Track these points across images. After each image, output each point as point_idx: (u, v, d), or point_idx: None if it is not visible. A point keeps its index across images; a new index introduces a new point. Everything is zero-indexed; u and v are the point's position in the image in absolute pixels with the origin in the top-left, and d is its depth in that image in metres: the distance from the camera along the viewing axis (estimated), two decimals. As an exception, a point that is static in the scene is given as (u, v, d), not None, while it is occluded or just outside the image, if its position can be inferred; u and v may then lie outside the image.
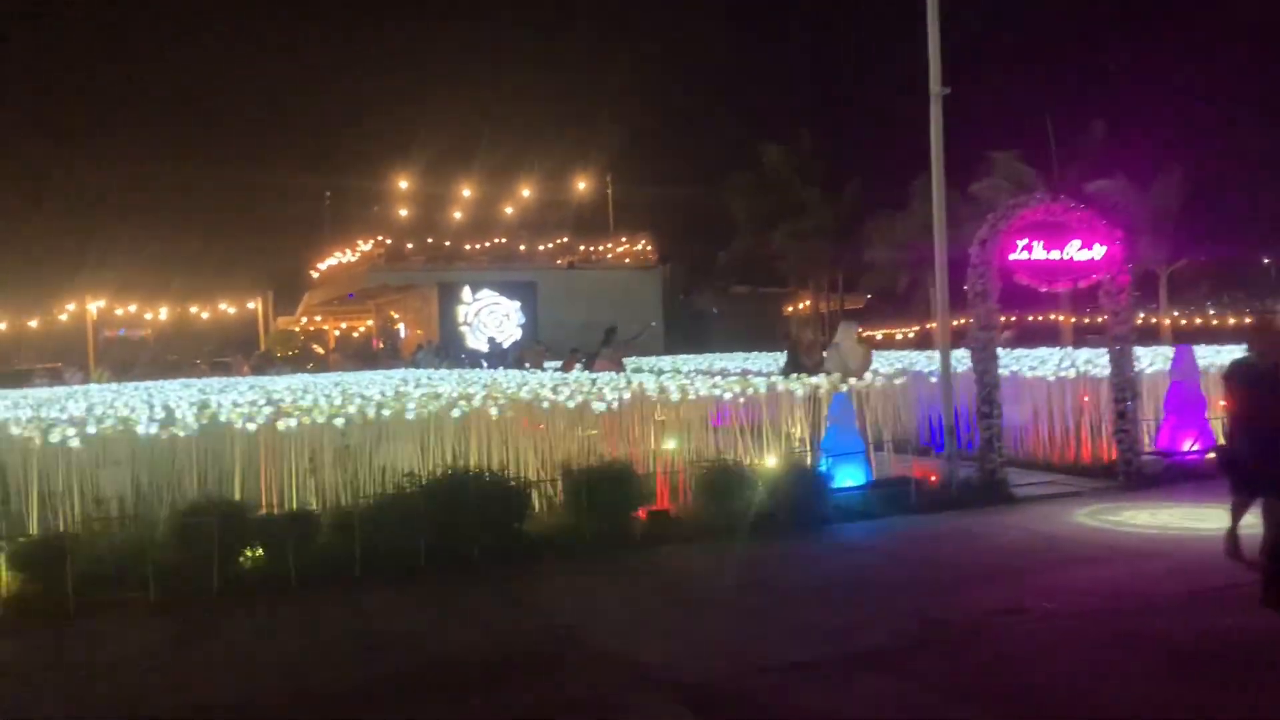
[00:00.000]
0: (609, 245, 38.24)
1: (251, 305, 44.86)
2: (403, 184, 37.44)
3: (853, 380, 10.02)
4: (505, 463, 8.88)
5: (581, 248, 37.71)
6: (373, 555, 7.48)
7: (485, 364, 25.54)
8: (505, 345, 28.06)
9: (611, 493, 8.32)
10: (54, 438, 7.60)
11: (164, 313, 42.77)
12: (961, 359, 11.36)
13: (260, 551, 7.46)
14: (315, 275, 44.17)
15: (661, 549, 8.16)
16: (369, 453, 8.69)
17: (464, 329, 33.14)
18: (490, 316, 33.54)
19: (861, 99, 47.80)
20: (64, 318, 42.41)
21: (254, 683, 5.45)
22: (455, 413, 8.74)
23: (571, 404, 9.19)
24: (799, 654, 5.32)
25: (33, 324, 43.23)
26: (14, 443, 8.00)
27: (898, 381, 10.97)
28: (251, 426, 8.02)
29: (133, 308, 42.54)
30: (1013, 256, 10.03)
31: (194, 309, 43.35)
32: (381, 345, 38.80)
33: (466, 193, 37.63)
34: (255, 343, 43.12)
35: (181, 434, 7.97)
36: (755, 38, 64.74)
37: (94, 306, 41.57)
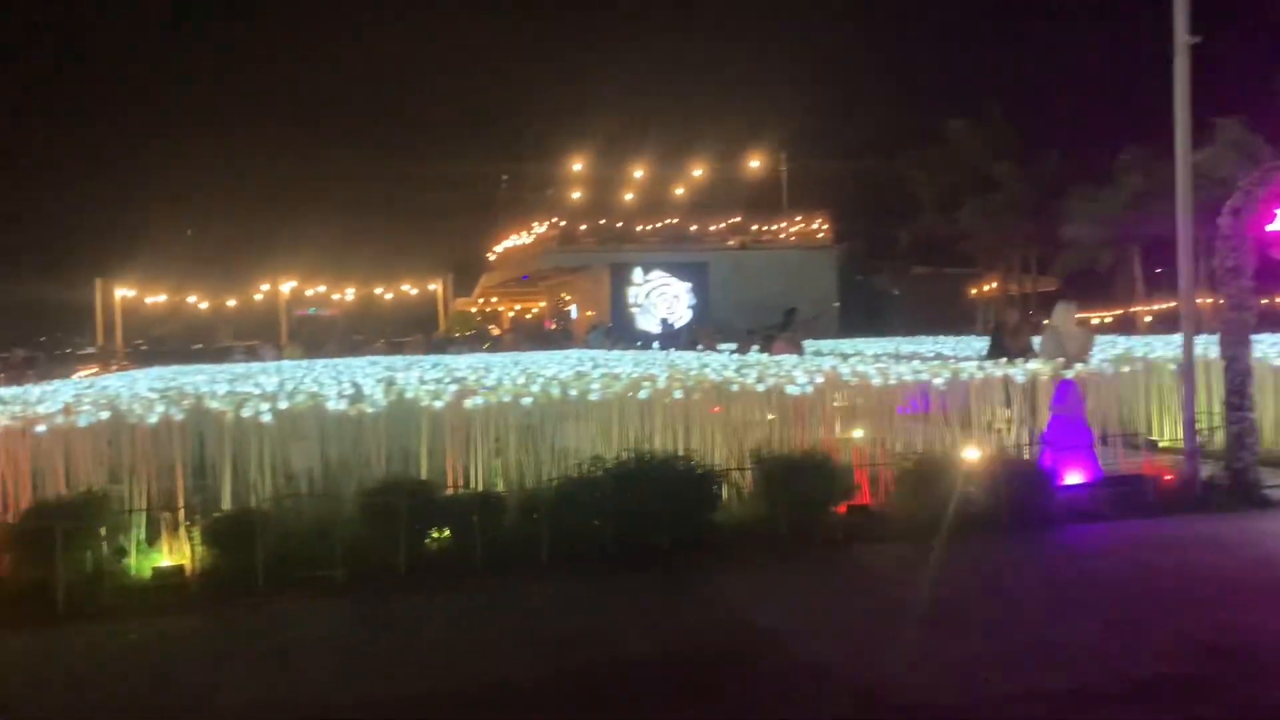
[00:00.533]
0: (783, 225, 37.32)
1: (432, 287, 46.33)
2: (576, 166, 37.59)
3: (1079, 366, 9.00)
4: (691, 448, 8.38)
5: (754, 227, 36.92)
6: (558, 540, 7.13)
7: (657, 345, 25.24)
8: (677, 326, 27.56)
9: (809, 484, 7.67)
10: (246, 412, 7.56)
11: (350, 294, 44.67)
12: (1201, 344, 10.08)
13: (447, 532, 7.22)
14: (491, 258, 45.11)
15: (864, 547, 7.47)
16: (551, 434, 8.35)
17: (635, 310, 33.05)
18: (661, 298, 33.31)
19: (1058, 65, 44.87)
20: (259, 298, 44.88)
21: (443, 672, 5.13)
22: (641, 394, 8.28)
23: (762, 387, 8.58)
24: (1058, 680, 4.56)
25: (231, 303, 45.97)
26: (210, 417, 8.03)
27: (1125, 369, 9.85)
28: (438, 404, 7.79)
29: (321, 288, 44.62)
30: (1270, 227, 8.79)
31: (378, 290, 45.11)
32: (554, 326, 39.24)
33: (639, 174, 37.43)
34: (435, 323, 44.55)
35: (369, 410, 7.81)
36: (937, 4, 62.00)
37: (286, 287, 43.83)
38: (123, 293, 41.57)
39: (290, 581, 6.69)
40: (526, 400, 7.93)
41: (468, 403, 7.73)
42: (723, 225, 36.52)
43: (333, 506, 7.28)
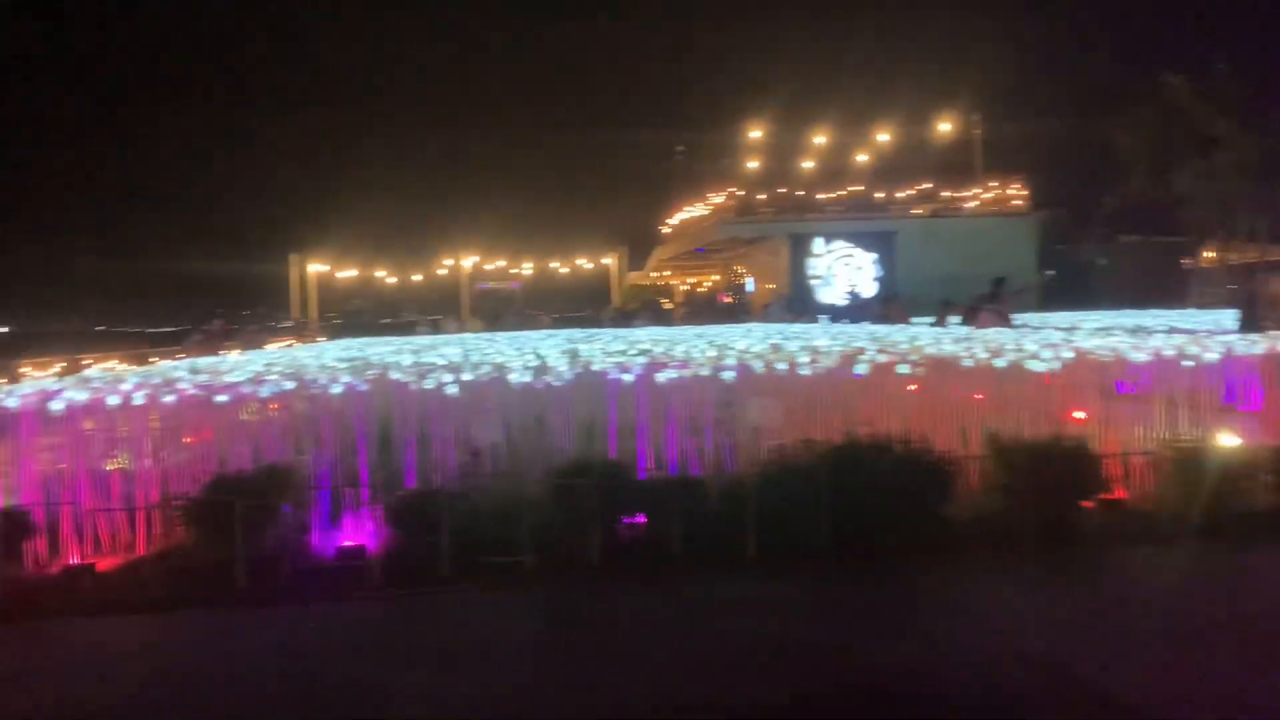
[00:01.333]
0: (975, 191, 35.06)
1: (606, 261, 46.25)
2: (754, 134, 36.43)
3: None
4: (910, 432, 7.39)
5: (946, 194, 34.83)
6: (764, 532, 6.33)
7: (846, 319, 24.01)
8: (864, 299, 25.98)
9: (1058, 475, 6.58)
10: (430, 383, 7.08)
11: (528, 269, 45.08)
12: None
13: (643, 520, 6.53)
14: (665, 231, 44.59)
15: (1129, 551, 6.34)
16: (753, 412, 7.53)
17: (815, 282, 31.76)
18: (844, 269, 31.88)
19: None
20: (442, 273, 45.91)
21: (650, 688, 4.42)
22: (858, 369, 7.34)
23: (1001, 363, 7.48)
24: None
25: (416, 278, 47.23)
26: (393, 389, 7.61)
27: None
28: (627, 377, 7.08)
29: (500, 263, 45.22)
30: None
31: (554, 265, 45.35)
32: (729, 300, 38.36)
33: (820, 140, 35.93)
34: (608, 297, 44.45)
35: (555, 383, 7.20)
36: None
37: (467, 263, 44.61)
38: (316, 268, 43.29)
39: (476, 568, 6.15)
40: (727, 375, 7.12)
41: (660, 376, 6.98)
42: (911, 192, 34.59)
43: (518, 487, 6.70)
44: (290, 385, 7.49)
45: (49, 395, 7.14)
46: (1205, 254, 34.75)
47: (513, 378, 7.41)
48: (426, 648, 5.08)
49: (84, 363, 17.33)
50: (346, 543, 6.64)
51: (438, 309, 47.22)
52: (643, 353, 9.74)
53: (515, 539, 6.25)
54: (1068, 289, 31.82)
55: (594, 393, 7.46)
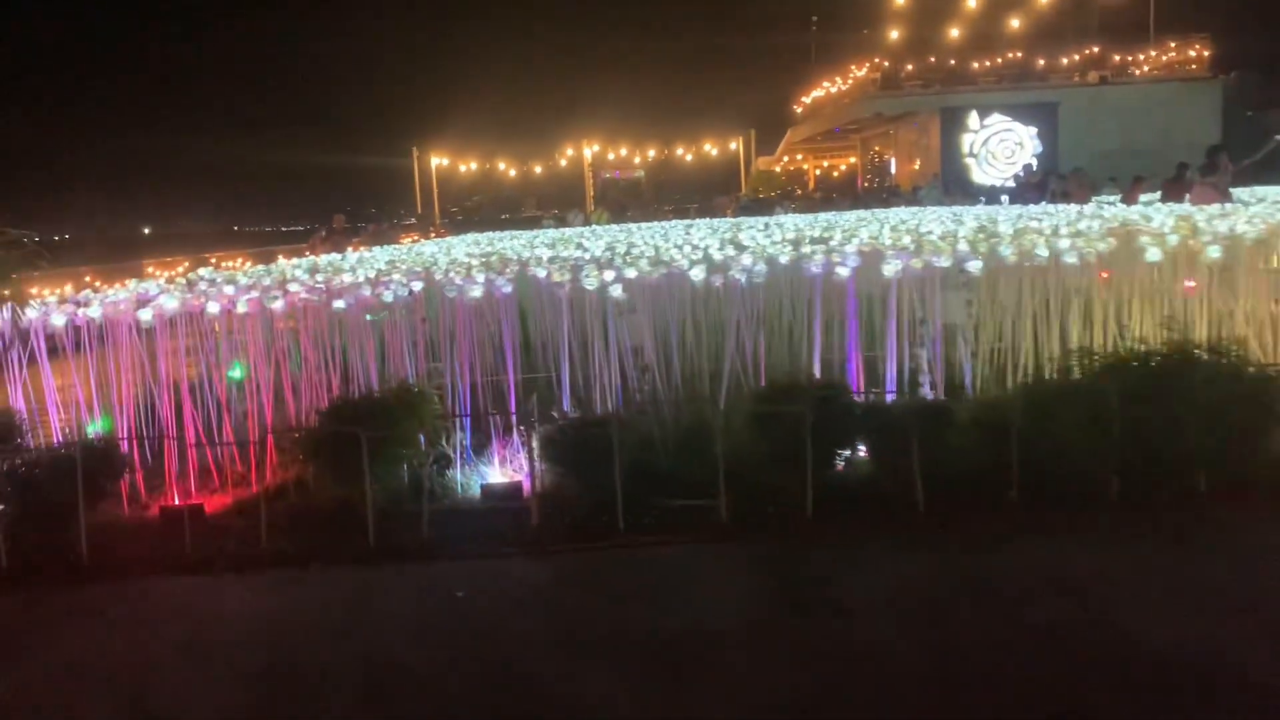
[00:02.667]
0: (1150, 55, 31.37)
1: (733, 146, 43.95)
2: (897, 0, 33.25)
3: None
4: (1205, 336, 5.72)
5: (1115, 59, 31.27)
6: (1026, 472, 4.84)
7: (1006, 200, 21.63)
8: (1040, 174, 22.92)
9: None
10: (590, 283, 5.70)
11: (651, 155, 43.23)
12: None
13: (864, 456, 5.11)
14: (798, 111, 41.92)
15: None
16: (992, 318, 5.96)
17: (969, 161, 29.09)
18: (1000, 145, 29.08)
19: None
20: (564, 163, 44.48)
21: (903, 688, 3.06)
22: (1149, 255, 5.63)
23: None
24: None
25: (537, 170, 45.96)
26: (540, 289, 6.32)
27: None
28: (843, 271, 5.55)
29: (623, 151, 43.47)
30: None
31: (679, 151, 43.35)
32: (871, 184, 35.87)
33: (972, 2, 32.56)
34: (737, 184, 42.34)
35: (744, 281, 5.73)
36: None
37: (589, 152, 43.00)
38: (438, 161, 42.42)
39: (656, 516, 4.87)
40: (972, 265, 5.51)
41: (887, 269, 5.42)
42: (1075, 58, 31.12)
43: (703, 413, 5.35)
44: (418, 286, 6.23)
45: (144, 300, 6.08)
46: None
47: (693, 275, 5.96)
48: (605, 631, 3.82)
49: (209, 260, 16.80)
50: (495, 479, 5.44)
51: (558, 202, 46.09)
52: (817, 241, 8.18)
53: (703, 479, 4.93)
54: (1262, 163, 28.24)
55: (790, 291, 5.99)
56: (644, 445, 5.17)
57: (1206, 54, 30.76)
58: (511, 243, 13.04)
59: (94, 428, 5.83)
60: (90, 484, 4.94)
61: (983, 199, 22.43)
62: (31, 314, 5.46)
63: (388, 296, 5.76)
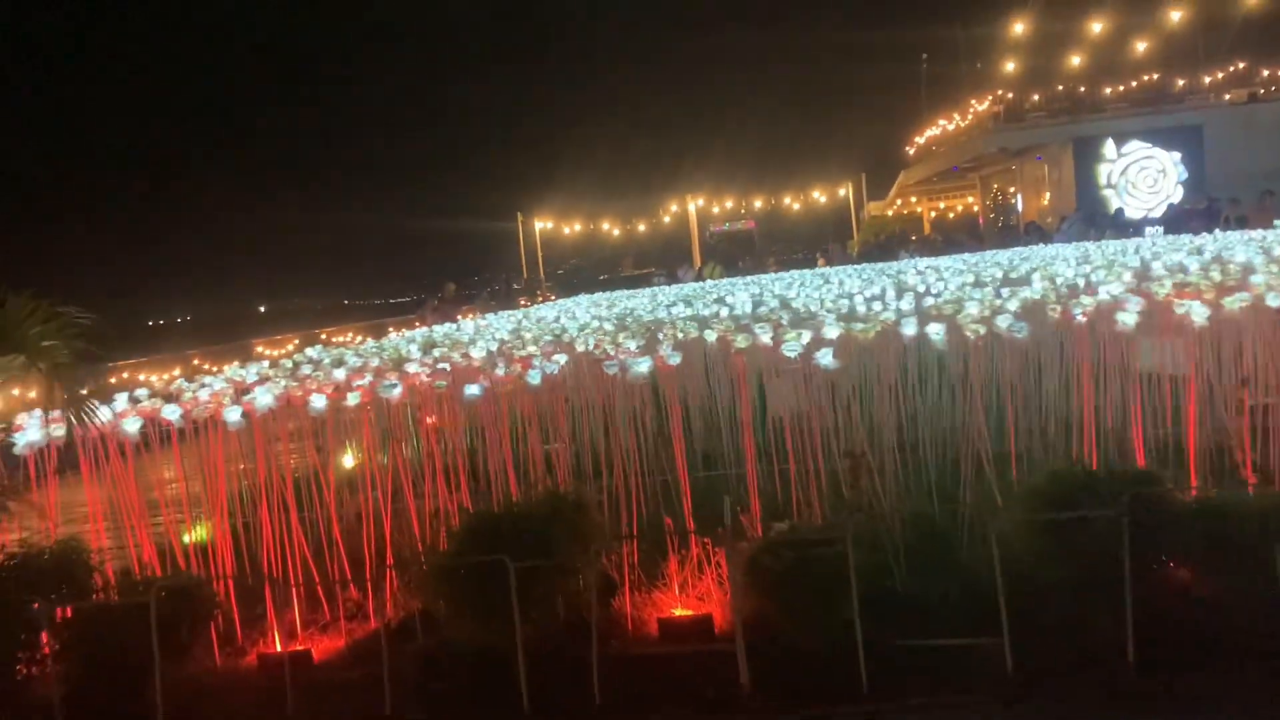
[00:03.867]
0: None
1: (841, 192, 42.50)
2: (1015, 28, 31.54)
3: None
4: None
5: (1265, 74, 28.93)
6: None
7: (1161, 230, 19.70)
8: (1205, 203, 20.41)
9: None
10: (791, 349, 4.44)
11: (757, 205, 42.09)
12: None
13: (1189, 572, 3.70)
14: (911, 152, 40.33)
15: None
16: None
17: (1107, 192, 27.04)
18: (1141, 174, 26.96)
19: None
20: (668, 219, 43.66)
21: None
22: None
23: None
24: None
25: (640, 228, 45.26)
26: (718, 355, 5.12)
27: None
28: (1126, 318, 4.17)
29: (729, 204, 42.45)
30: None
31: (786, 200, 42.11)
32: (997, 223, 33.98)
33: (1095, 27, 30.68)
34: (848, 231, 40.82)
35: (1018, 335, 4.37)
36: None
37: (693, 206, 42.12)
38: (541, 225, 42.10)
39: (907, 662, 3.55)
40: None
41: (1196, 314, 4.02)
42: (1218, 76, 28.87)
43: (948, 517, 4.01)
44: (561, 360, 5.09)
45: (242, 389, 5.07)
46: None
47: (932, 333, 4.65)
48: None
49: (320, 337, 16.21)
50: (679, 611, 4.18)
51: (662, 259, 45.29)
52: (1015, 282, 6.82)
53: (961, 610, 3.60)
54: None
55: (1042, 349, 4.64)
56: (879, 567, 3.87)
57: (1366, 63, 28.26)
58: (636, 301, 11.93)
59: (187, 538, 4.84)
60: (169, 633, 3.86)
61: (1131, 231, 20.53)
62: (104, 414, 4.47)
63: (534, 377, 4.60)
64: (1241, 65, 29.09)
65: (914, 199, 44.06)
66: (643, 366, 4.45)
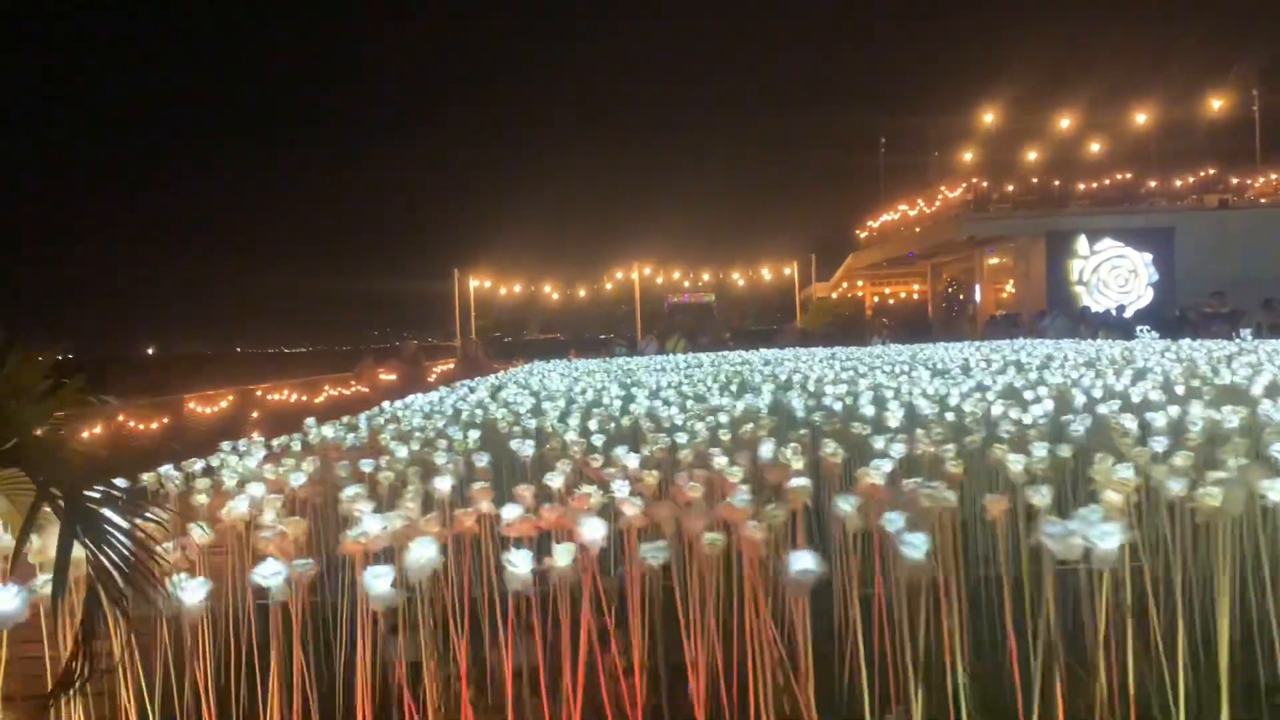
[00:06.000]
0: (1273, 178, 28.82)
1: (787, 271, 41.47)
2: (986, 118, 31.07)
3: None
4: None
5: (1234, 181, 28.75)
6: None
7: (1148, 330, 18.65)
8: (1228, 305, 18.84)
9: None
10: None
11: (705, 278, 40.76)
12: None
13: None
14: (862, 235, 39.62)
15: None
16: None
17: (1078, 289, 26.26)
18: (1113, 273, 26.28)
19: None
20: (609, 286, 42.02)
21: None
22: None
23: None
24: None
25: (581, 292, 43.54)
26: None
27: None
28: None
29: (675, 274, 41.05)
30: None
31: (734, 275, 40.90)
32: (950, 312, 33.12)
33: (1065, 123, 30.34)
34: (791, 312, 39.70)
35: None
36: None
37: (638, 274, 40.59)
38: (476, 283, 40.07)
39: None
40: None
41: None
42: (1189, 180, 28.60)
43: None
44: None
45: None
46: None
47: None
48: None
49: (255, 394, 13.96)
50: None
51: (607, 327, 43.65)
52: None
53: None
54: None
55: None
56: None
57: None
58: (644, 373, 10.02)
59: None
60: None
61: (1120, 331, 19.42)
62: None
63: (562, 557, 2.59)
64: (1212, 171, 28.90)
65: (860, 283, 43.30)
66: (562, 560, 2.50)
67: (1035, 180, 29.27)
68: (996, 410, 4.80)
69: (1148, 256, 26.25)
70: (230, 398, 12.51)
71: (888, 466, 3.22)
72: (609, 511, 2.99)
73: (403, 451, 4.32)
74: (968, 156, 32.57)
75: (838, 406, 5.54)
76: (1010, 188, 28.90)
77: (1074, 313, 23.60)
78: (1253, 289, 20.39)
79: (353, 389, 17.57)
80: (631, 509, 2.77)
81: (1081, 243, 26.22)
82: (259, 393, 13.11)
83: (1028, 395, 5.53)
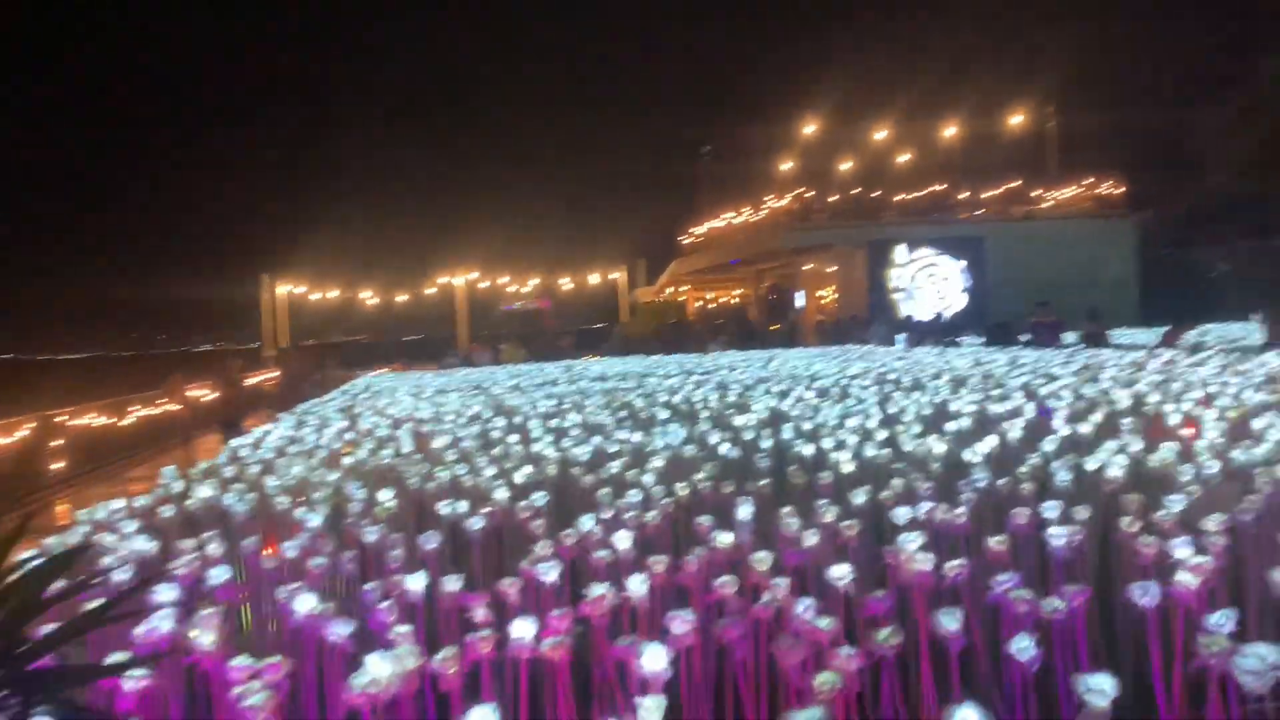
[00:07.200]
0: (1072, 191, 30.76)
1: (614, 276, 41.30)
2: (806, 129, 31.82)
3: None
4: None
5: (1036, 193, 30.53)
6: None
7: (974, 339, 19.48)
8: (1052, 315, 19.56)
9: None
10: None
11: (533, 284, 40.03)
12: None
13: None
14: (686, 242, 39.91)
15: None
16: None
17: (897, 295, 27.21)
18: (929, 280, 27.39)
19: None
20: (431, 291, 40.56)
21: None
22: None
23: None
24: None
25: (401, 298, 41.89)
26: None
27: None
28: None
29: (501, 279, 40.09)
30: None
31: (562, 281, 40.36)
32: (767, 319, 33.71)
33: (881, 134, 31.47)
34: (618, 316, 39.56)
35: None
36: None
37: (461, 280, 39.39)
38: (285, 289, 37.83)
39: None
40: None
41: None
42: (997, 192, 30.16)
43: None
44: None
45: None
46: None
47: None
48: None
49: (55, 422, 12.30)
50: None
51: (430, 332, 42.23)
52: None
53: None
54: (1175, 299, 27.60)
55: None
56: None
57: (1121, 191, 30.51)
58: (453, 399, 9.33)
59: None
60: None
61: (948, 340, 20.19)
62: None
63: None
64: (1017, 184, 30.60)
65: (685, 288, 43.63)
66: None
67: (855, 191, 30.19)
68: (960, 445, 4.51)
69: (962, 264, 27.49)
70: (33, 425, 10.94)
71: (916, 542, 2.79)
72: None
73: (315, 520, 3.57)
74: (787, 166, 33.32)
75: (761, 439, 5.13)
76: (832, 198, 29.69)
77: (898, 321, 24.43)
78: (1054, 294, 21.61)
79: (161, 408, 15.95)
80: (685, 626, 2.22)
81: (900, 251, 27.19)
82: (63, 418, 11.58)
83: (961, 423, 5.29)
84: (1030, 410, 5.97)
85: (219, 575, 2.97)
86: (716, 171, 37.72)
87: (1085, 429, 4.89)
